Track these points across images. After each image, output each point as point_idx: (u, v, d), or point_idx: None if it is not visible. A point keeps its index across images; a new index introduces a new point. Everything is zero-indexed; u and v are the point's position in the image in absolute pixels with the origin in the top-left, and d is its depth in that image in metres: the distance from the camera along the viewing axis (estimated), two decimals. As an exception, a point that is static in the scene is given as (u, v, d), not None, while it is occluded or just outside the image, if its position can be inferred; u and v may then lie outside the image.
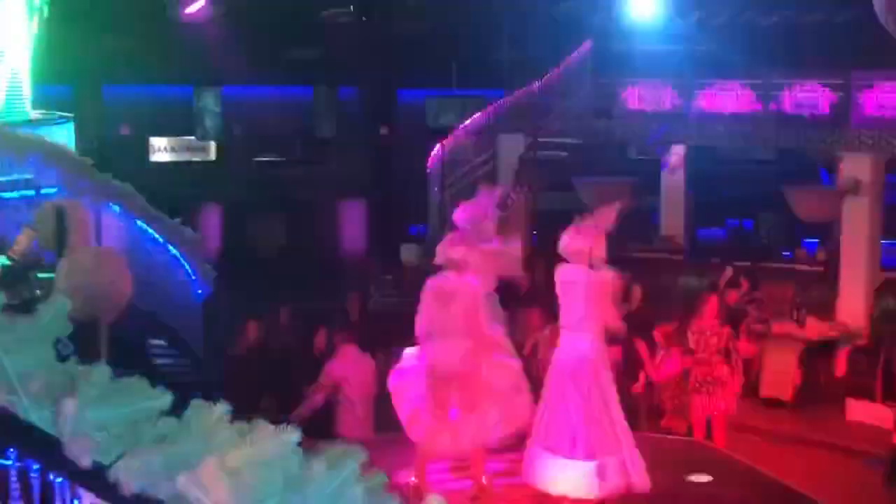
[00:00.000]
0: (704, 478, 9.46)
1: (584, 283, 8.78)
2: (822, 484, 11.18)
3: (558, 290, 9.02)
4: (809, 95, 16.43)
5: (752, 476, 9.96)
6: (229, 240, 23.69)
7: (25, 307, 3.29)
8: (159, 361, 14.16)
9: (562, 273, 9.00)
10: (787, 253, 19.25)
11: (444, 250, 9.06)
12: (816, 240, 19.80)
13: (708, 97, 17.42)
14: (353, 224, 25.52)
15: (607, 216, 9.02)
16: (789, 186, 17.60)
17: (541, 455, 8.80)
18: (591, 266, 8.80)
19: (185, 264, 14.98)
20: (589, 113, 19.02)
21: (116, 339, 10.85)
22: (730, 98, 17.22)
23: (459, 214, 9.21)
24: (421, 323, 9.08)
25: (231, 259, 20.84)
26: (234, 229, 24.44)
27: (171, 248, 14.81)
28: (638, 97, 18.13)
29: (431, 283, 9.12)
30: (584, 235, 8.85)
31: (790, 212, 17.97)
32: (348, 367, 11.23)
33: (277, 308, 14.93)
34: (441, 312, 8.93)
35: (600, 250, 8.83)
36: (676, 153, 19.15)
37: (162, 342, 14.55)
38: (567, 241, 8.93)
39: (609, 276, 8.95)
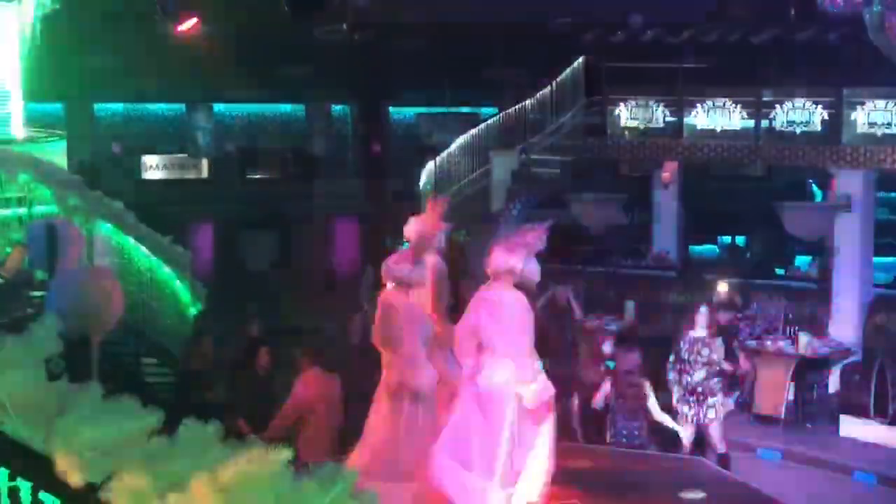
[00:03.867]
0: (698, 495, 9.42)
1: (509, 304, 8.45)
2: (815, 501, 11.17)
3: (478, 311, 8.34)
4: (801, 112, 16.46)
5: (745, 493, 9.92)
6: (221, 257, 23.65)
7: (16, 326, 3.28)
8: (150, 380, 14.13)
9: (486, 293, 8.40)
10: (780, 269, 19.26)
11: (389, 268, 8.67)
12: (809, 256, 19.82)
13: (700, 114, 17.44)
14: (345, 241, 25.49)
15: (538, 236, 8.61)
16: (780, 203, 17.60)
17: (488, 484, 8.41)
18: (519, 287, 8.41)
19: (176, 282, 14.97)
20: (581, 130, 19.06)
21: (108, 358, 10.81)
22: (722, 115, 17.23)
23: (408, 227, 8.99)
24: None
25: (222, 276, 20.80)
26: (226, 246, 24.40)
27: (162, 265, 14.81)
28: (630, 114, 18.15)
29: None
30: (515, 254, 8.38)
31: (783, 228, 17.97)
32: (314, 390, 10.81)
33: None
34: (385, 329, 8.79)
35: (531, 271, 8.39)
36: (668, 170, 19.15)
37: (153, 360, 14.52)
38: (495, 259, 8.35)
39: (521, 298, 8.30)
